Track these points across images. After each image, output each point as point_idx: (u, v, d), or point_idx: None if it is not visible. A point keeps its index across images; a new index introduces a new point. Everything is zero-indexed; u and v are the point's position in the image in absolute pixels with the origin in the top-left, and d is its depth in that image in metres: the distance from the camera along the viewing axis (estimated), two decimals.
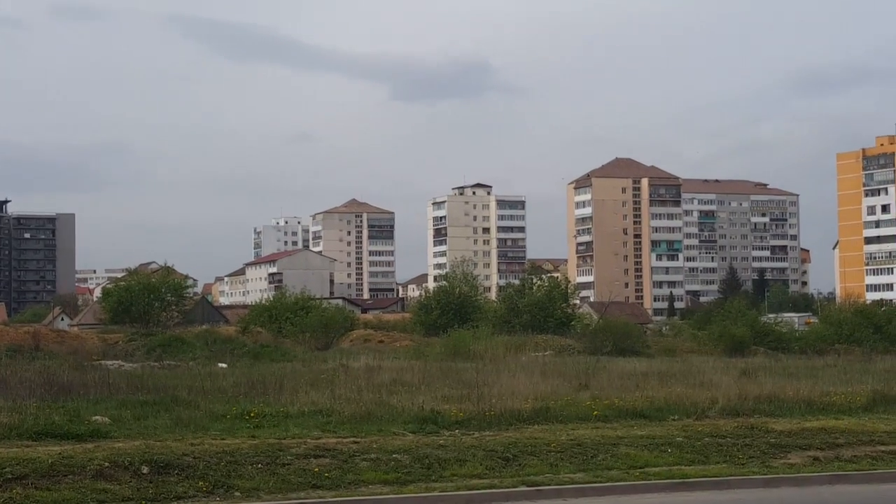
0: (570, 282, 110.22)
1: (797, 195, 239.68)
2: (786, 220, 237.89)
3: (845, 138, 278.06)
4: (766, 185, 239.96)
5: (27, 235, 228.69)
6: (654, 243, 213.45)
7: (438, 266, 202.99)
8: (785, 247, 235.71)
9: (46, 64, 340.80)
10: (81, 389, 24.94)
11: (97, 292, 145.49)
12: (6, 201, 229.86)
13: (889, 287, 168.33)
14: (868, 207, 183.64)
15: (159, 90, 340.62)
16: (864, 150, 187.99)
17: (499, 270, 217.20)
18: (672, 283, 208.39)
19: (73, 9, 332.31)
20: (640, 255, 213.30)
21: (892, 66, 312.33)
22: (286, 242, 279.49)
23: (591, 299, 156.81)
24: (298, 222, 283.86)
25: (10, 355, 43.09)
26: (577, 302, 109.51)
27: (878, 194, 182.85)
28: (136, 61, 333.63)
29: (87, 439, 17.86)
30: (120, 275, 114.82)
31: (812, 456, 20.13)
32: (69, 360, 39.22)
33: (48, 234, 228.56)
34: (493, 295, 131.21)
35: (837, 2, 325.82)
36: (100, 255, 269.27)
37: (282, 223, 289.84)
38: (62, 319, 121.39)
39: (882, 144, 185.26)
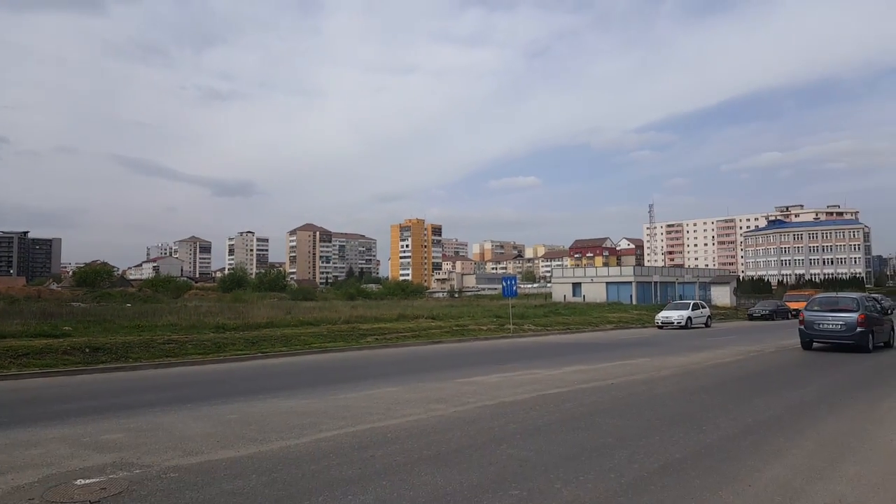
0: (285, 272, 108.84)
1: (376, 240, 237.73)
2: (371, 249, 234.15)
3: (394, 218, 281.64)
4: (364, 235, 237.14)
5: (38, 247, 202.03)
6: (321, 257, 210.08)
7: (230, 264, 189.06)
8: (371, 259, 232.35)
9: (51, 171, 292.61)
10: (59, 316, 21.60)
11: (71, 273, 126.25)
12: (27, 231, 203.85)
13: (408, 274, 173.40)
14: (401, 245, 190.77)
15: (106, 186, 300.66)
16: (401, 224, 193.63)
17: (256, 267, 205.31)
18: (328, 272, 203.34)
19: (65, 147, 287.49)
20: (315, 261, 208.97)
21: (410, 194, 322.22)
22: (161, 252, 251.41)
23: (295, 278, 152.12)
24: (168, 244, 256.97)
25: (25, 300, 36.65)
26: (288, 280, 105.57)
27: (405, 240, 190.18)
28: (96, 173, 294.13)
29: (59, 337, 15.51)
30: (83, 265, 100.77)
31: (376, 338, 19.40)
32: (54, 302, 33.73)
33: (48, 247, 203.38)
34: (253, 276, 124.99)
35: (395, 165, 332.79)
36: (73, 256, 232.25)
37: (160, 244, 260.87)
38: (53, 285, 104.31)
39: (407, 222, 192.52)
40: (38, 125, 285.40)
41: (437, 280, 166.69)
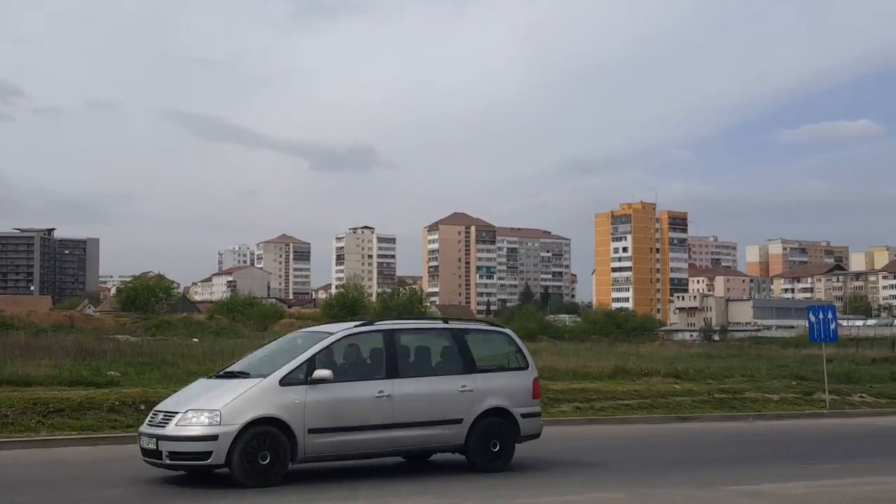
0: (423, 291, 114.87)
1: (569, 239, 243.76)
2: (562, 255, 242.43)
3: (599, 202, 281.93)
4: (549, 232, 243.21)
5: (66, 252, 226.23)
6: (478, 268, 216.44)
7: (339, 278, 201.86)
8: (561, 272, 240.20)
9: (80, 137, 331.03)
10: (101, 354, 24.40)
11: (113, 290, 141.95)
12: (52, 229, 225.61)
13: (626, 300, 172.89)
14: (613, 248, 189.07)
15: (156, 158, 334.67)
16: (612, 211, 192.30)
17: (377, 283, 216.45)
18: (489, 294, 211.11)
19: (100, 102, 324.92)
20: (469, 275, 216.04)
21: (629, 160, 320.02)
22: (239, 260, 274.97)
23: (437, 303, 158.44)
24: (248, 248, 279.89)
25: (53, 330, 42.10)
26: (428, 304, 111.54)
27: (620, 240, 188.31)
28: (141, 138, 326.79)
29: (104, 386, 17.55)
30: (129, 279, 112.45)
31: (576, 406, 20.22)
32: (93, 334, 38.31)
33: (80, 251, 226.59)
34: (373, 298, 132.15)
35: (599, 111, 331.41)
36: (115, 266, 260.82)
37: (237, 248, 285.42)
38: (89, 307, 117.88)
39: (623, 208, 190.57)
40: (63, 71, 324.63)
41: (679, 309, 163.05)
